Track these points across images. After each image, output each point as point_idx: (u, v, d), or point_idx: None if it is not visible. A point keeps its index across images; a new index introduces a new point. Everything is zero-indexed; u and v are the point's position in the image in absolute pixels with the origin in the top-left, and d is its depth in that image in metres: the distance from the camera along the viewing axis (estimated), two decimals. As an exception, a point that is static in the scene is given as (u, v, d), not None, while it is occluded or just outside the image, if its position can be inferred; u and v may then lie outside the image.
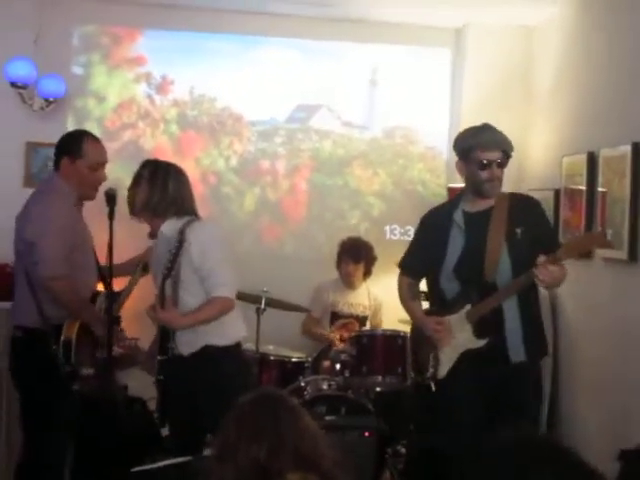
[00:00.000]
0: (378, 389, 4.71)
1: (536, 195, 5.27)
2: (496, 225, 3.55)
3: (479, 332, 3.55)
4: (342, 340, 5.15)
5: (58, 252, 3.76)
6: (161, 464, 2.95)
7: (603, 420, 4.47)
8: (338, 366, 4.76)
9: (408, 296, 3.94)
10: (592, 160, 4.67)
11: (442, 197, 5.98)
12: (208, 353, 3.66)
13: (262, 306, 4.96)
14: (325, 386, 4.63)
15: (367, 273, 5.53)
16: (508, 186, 5.74)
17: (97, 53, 5.86)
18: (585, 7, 5.07)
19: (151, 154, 5.82)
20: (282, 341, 5.30)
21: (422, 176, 6.20)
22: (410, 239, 6.02)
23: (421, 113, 6.14)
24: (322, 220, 6.11)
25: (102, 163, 4.03)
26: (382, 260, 5.53)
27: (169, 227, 3.67)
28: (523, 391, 3.57)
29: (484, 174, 3.61)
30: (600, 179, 4.58)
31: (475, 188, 3.68)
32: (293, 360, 4.99)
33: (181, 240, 3.57)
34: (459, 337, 3.58)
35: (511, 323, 3.55)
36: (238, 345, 3.80)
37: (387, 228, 6.13)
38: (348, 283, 5.52)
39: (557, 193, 5.07)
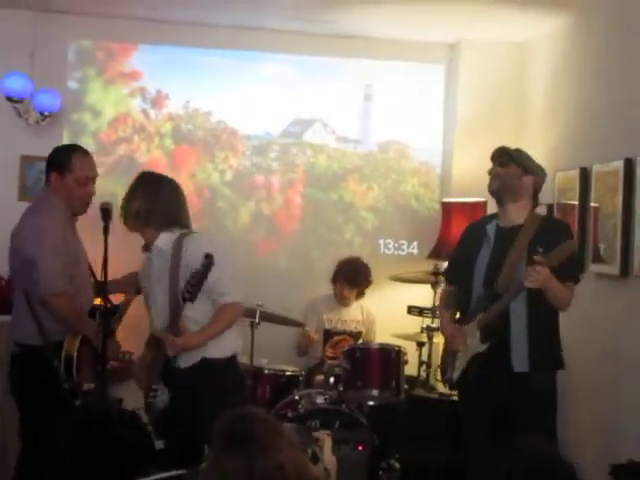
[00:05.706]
0: (372, 403, 4.72)
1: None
2: (520, 242, 3.66)
3: (484, 336, 3.67)
4: (335, 357, 5.16)
5: (57, 269, 3.75)
6: (156, 477, 2.94)
7: (594, 433, 4.48)
8: (332, 379, 4.75)
9: (441, 303, 4.14)
10: (585, 175, 4.70)
11: (436, 212, 6.01)
12: (205, 366, 3.65)
13: (256, 320, 4.94)
14: (319, 400, 4.63)
15: (360, 294, 5.52)
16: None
17: (92, 68, 5.90)
18: (577, 24, 5.12)
19: (146, 168, 5.81)
20: (276, 355, 5.31)
21: (416, 191, 6.22)
22: (403, 254, 6.15)
23: (415, 128, 6.18)
24: (316, 234, 6.13)
25: (91, 177, 3.98)
26: (376, 275, 5.54)
27: (164, 240, 3.65)
28: (529, 404, 3.59)
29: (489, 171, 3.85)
30: (592, 194, 4.61)
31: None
32: (287, 374, 4.99)
33: (178, 252, 3.57)
34: (470, 343, 3.72)
35: (516, 330, 3.63)
36: (234, 357, 3.79)
37: (381, 242, 6.15)
38: (341, 302, 5.53)
39: (550, 208, 5.09)
